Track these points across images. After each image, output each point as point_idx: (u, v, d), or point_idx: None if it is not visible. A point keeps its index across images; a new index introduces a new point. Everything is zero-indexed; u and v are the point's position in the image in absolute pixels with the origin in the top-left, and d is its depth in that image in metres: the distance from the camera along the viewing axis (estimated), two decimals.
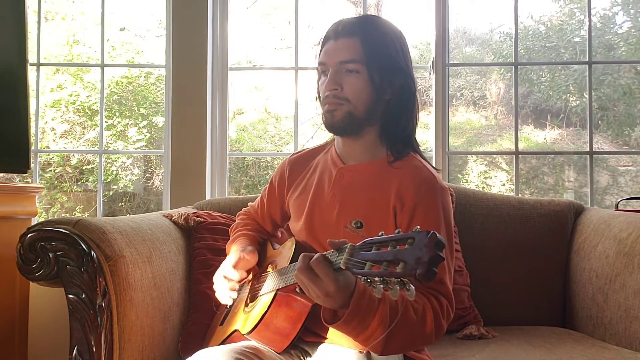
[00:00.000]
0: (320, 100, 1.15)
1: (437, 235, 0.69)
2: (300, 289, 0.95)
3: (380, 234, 0.77)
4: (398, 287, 0.73)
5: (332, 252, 0.86)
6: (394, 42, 1.11)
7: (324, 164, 1.21)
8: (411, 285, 0.73)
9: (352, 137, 1.14)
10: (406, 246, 0.71)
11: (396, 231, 0.76)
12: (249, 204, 1.45)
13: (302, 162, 1.27)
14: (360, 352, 1.05)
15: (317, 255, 0.86)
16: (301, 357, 1.12)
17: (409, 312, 0.93)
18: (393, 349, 0.95)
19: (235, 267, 1.19)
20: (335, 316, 0.92)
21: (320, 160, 1.23)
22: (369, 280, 0.75)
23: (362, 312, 0.88)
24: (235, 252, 1.23)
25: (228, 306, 1.34)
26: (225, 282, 1.20)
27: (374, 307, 0.89)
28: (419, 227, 0.73)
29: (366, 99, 1.08)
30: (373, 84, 1.08)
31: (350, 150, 1.16)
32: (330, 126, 1.11)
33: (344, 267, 0.80)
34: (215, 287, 1.24)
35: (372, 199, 1.09)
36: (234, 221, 1.44)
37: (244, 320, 1.14)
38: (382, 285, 0.74)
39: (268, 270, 1.19)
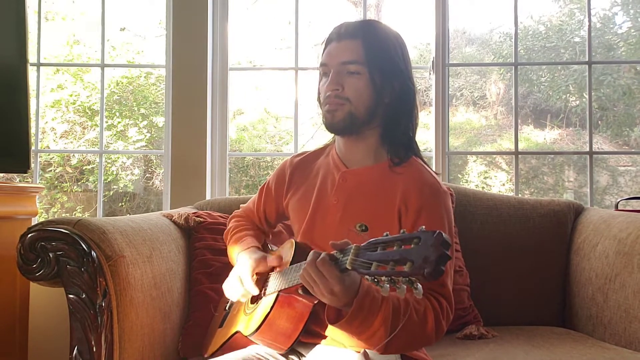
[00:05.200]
0: (320, 102, 1.15)
1: (444, 234, 0.71)
2: (303, 289, 0.96)
3: (385, 234, 0.78)
4: (405, 287, 0.74)
5: (337, 252, 0.87)
6: (395, 45, 1.12)
7: (325, 168, 1.21)
8: (419, 284, 0.74)
9: (353, 139, 1.15)
10: (412, 246, 0.72)
11: (401, 231, 0.76)
12: (241, 205, 1.44)
13: (303, 165, 1.27)
14: (357, 352, 1.05)
15: (323, 254, 0.87)
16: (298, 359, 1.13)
17: (411, 313, 0.94)
18: (395, 348, 0.96)
19: (254, 273, 1.15)
20: (339, 316, 0.93)
21: (322, 164, 1.23)
22: (375, 280, 0.77)
23: (365, 312, 0.89)
24: (251, 256, 1.18)
25: (227, 308, 1.35)
26: (239, 286, 1.17)
27: (377, 307, 0.90)
28: (424, 226, 0.74)
29: (367, 100, 1.09)
30: (374, 85, 1.09)
31: (352, 153, 1.16)
32: (330, 126, 1.12)
33: (350, 268, 0.81)
34: (228, 286, 1.22)
35: (376, 202, 1.10)
36: (228, 224, 1.41)
37: (246, 322, 1.14)
38: (388, 285, 0.75)
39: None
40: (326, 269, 0.85)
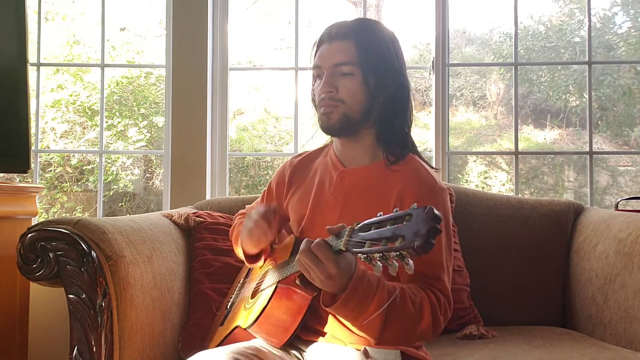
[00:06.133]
0: (315, 104, 1.16)
1: (434, 209, 0.71)
2: (301, 280, 0.96)
3: (378, 214, 0.79)
4: (396, 263, 0.75)
5: (332, 237, 0.89)
6: (388, 44, 1.12)
7: (323, 167, 1.22)
8: (410, 260, 0.74)
9: (350, 139, 1.15)
10: (404, 223, 0.73)
11: (394, 210, 0.77)
12: (247, 206, 1.45)
13: (302, 165, 1.28)
14: (358, 349, 1.05)
15: (317, 239, 0.88)
16: (299, 357, 1.13)
17: (407, 303, 0.94)
18: (390, 338, 0.96)
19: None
20: (334, 300, 0.93)
21: (320, 164, 1.24)
22: (368, 258, 0.77)
23: (360, 295, 0.90)
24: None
25: (228, 306, 1.35)
26: (251, 223, 1.15)
27: (372, 291, 0.91)
28: (415, 204, 0.74)
29: (361, 101, 1.10)
30: (367, 86, 1.09)
31: (349, 152, 1.17)
32: (326, 128, 1.13)
33: (344, 249, 0.82)
34: (247, 231, 1.19)
35: (373, 201, 1.10)
36: (234, 222, 1.44)
37: (245, 316, 1.15)
38: (381, 263, 0.76)
39: (268, 267, 1.19)
40: (321, 252, 0.86)
